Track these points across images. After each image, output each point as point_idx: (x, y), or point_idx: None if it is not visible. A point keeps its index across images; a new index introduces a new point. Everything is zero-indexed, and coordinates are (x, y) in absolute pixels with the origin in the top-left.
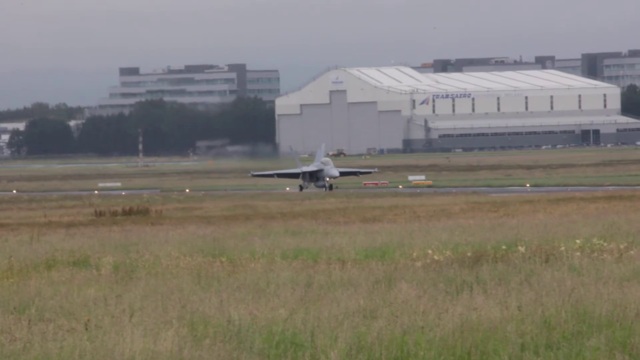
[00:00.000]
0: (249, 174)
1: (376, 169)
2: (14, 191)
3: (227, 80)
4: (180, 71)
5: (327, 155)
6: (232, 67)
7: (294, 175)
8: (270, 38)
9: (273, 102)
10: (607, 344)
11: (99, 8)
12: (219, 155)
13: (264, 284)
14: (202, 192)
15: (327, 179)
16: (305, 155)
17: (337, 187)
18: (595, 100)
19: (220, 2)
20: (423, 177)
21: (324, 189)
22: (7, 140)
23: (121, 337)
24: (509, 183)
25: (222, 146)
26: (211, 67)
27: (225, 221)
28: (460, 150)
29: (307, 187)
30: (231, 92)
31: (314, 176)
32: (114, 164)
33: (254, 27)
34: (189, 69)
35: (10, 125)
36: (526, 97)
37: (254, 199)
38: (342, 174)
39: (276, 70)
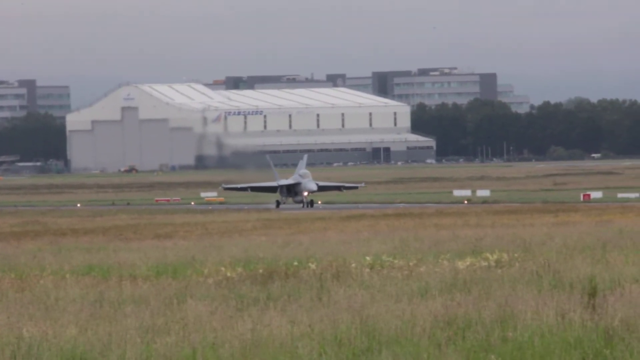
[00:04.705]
0: (220, 187)
1: (363, 184)
2: None
3: (17, 96)
4: None
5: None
6: (22, 83)
7: (271, 189)
8: (60, 50)
9: (64, 118)
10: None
11: None
12: (8, 171)
13: (54, 300)
14: None
15: (305, 193)
16: (97, 172)
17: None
18: (385, 119)
19: (4, 12)
20: (215, 194)
21: (302, 204)
22: None
23: None
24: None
25: (11, 162)
26: (1, 82)
27: (15, 237)
28: None
29: (284, 203)
30: (21, 107)
31: (292, 190)
32: None
33: (42, 38)
34: None
35: None
36: (318, 115)
37: (45, 215)
38: (323, 188)
39: (67, 86)
